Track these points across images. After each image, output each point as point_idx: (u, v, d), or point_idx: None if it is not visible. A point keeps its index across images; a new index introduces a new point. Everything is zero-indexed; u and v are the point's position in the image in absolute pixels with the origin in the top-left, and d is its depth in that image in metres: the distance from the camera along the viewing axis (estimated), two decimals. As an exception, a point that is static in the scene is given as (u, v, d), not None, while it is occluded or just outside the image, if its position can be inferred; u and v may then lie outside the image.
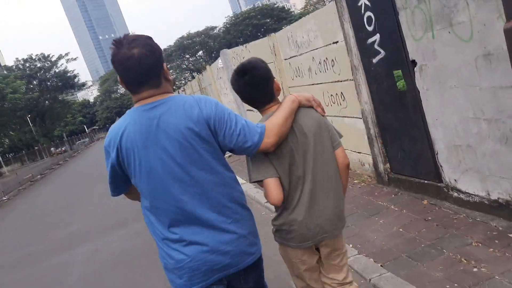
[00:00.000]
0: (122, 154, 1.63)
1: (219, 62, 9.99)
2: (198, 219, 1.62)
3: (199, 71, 61.99)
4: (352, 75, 4.50)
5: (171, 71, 69.53)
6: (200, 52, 70.51)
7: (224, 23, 65.80)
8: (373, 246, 3.37)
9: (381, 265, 3.04)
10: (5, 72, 46.70)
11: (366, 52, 4.13)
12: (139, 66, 1.57)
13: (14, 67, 54.85)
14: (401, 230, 3.48)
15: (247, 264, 1.70)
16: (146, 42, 1.61)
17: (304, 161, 1.80)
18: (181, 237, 1.63)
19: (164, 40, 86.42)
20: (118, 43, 1.61)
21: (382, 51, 3.88)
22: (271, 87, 1.87)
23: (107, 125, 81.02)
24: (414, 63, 3.49)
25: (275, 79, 1.90)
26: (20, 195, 16.41)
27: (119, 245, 5.80)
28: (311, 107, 1.87)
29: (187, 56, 69.12)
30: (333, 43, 4.84)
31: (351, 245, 3.47)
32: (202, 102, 1.63)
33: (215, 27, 68.78)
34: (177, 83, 69.61)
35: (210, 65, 13.30)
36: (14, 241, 8.04)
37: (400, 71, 3.71)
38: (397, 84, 3.79)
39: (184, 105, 1.60)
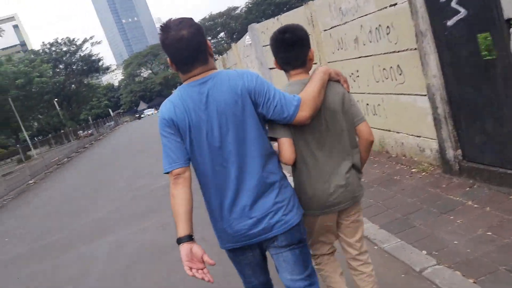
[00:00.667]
0: (176, 126, 1.73)
1: (247, 38, 9.27)
2: (239, 187, 1.74)
3: (221, 53, 61.61)
4: (417, 43, 3.75)
5: None
6: (222, 34, 69.74)
7: (246, 3, 64.55)
8: (455, 254, 2.69)
9: (473, 282, 2.37)
10: (32, 56, 47.10)
11: (438, 13, 3.37)
12: (189, 45, 1.69)
13: (40, 51, 55.51)
14: (489, 233, 2.78)
15: (282, 230, 1.78)
16: (191, 22, 1.72)
17: (325, 133, 1.86)
18: (226, 203, 1.76)
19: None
20: (166, 27, 1.71)
21: (462, 10, 3.11)
22: (306, 53, 1.92)
23: (132, 109, 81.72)
24: (510, 23, 2.74)
25: (311, 49, 1.94)
26: (46, 179, 16.33)
27: (143, 238, 5.30)
28: (338, 81, 1.91)
29: (209, 38, 68.45)
30: (391, 5, 4.08)
31: (424, 252, 2.80)
32: (245, 75, 1.75)
33: (237, 7, 67.69)
34: None
35: (235, 43, 12.64)
36: (36, 229, 7.71)
37: (488, 33, 2.94)
38: (482, 51, 3.03)
39: (229, 79, 1.72)
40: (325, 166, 1.88)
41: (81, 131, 42.64)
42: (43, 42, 60.44)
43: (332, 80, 1.88)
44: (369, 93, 5.28)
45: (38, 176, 17.34)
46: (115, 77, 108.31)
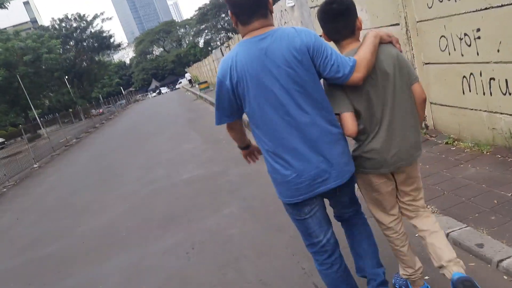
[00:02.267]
0: (234, 83, 1.79)
1: (287, 0, 7.54)
2: (302, 138, 1.81)
3: (235, 30, 59.38)
4: None
5: (206, 31, 67.25)
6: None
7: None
8: None
9: None
10: (41, 32, 45.57)
11: None
12: None
13: (50, 27, 53.94)
14: None
15: (346, 180, 1.89)
16: None
17: (383, 96, 1.88)
18: (288, 156, 1.83)
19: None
20: None
21: None
22: (354, 21, 1.95)
23: (144, 87, 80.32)
24: None
25: (359, 17, 1.96)
26: (52, 163, 14.93)
27: (166, 264, 3.77)
28: (390, 42, 1.93)
29: (223, 15, 66.53)
30: None
31: None
32: (303, 32, 1.79)
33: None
34: (212, 44, 67.68)
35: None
36: (28, 234, 6.23)
37: None
38: None
39: (288, 36, 1.77)
40: (383, 126, 1.90)
41: (93, 110, 41.43)
42: (52, 18, 58.80)
43: (383, 42, 1.90)
44: (497, 63, 3.59)
45: (44, 159, 15.95)
46: (126, 55, 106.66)
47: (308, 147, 1.81)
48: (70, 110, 31.59)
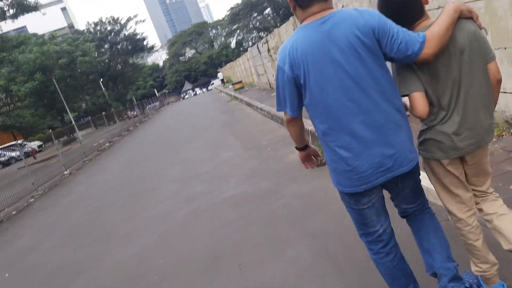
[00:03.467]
0: (294, 68, 1.74)
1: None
2: (366, 125, 1.72)
3: (268, 29, 58.46)
4: None
5: (237, 31, 66.89)
6: (268, 10, 66.38)
7: (295, -24, 60.12)
8: None
9: None
10: (76, 36, 46.11)
11: None
12: None
13: (85, 30, 54.69)
14: None
15: (408, 169, 1.79)
16: None
17: (456, 75, 1.77)
18: (349, 144, 1.75)
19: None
20: None
21: None
22: (418, 4, 1.83)
23: (177, 89, 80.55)
24: None
25: None
26: (83, 169, 14.27)
27: None
28: (470, 18, 1.79)
29: (255, 14, 65.92)
30: None
31: None
32: (366, 13, 1.71)
33: (286, -19, 63.61)
34: (244, 44, 67.09)
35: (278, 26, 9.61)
36: (45, 263, 5.27)
37: None
38: None
39: (350, 17, 1.69)
40: (455, 108, 1.80)
41: (129, 112, 41.46)
42: (87, 22, 59.70)
43: (463, 17, 1.76)
44: None
45: (75, 165, 15.35)
46: (160, 58, 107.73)
47: (371, 134, 1.73)
48: (103, 113, 31.29)
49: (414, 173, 1.89)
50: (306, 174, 5.30)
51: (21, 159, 12.98)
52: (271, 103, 12.95)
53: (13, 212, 9.85)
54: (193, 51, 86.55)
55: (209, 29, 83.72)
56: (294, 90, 1.80)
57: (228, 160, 7.78)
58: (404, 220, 2.13)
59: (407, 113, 1.89)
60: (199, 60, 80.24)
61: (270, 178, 5.66)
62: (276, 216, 4.24)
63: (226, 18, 68.92)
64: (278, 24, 43.55)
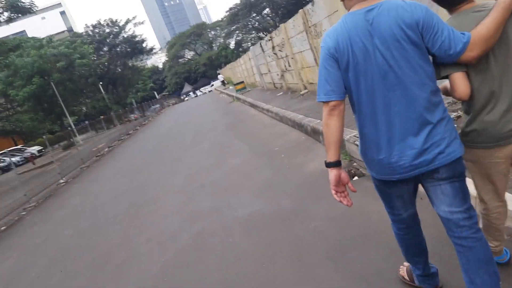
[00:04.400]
0: (338, 51, 1.74)
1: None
2: (401, 116, 1.71)
3: (267, 30, 57.76)
4: None
5: (237, 32, 66.43)
6: (267, 10, 65.73)
7: (294, -23, 59.44)
8: None
9: None
10: (74, 38, 45.31)
11: None
12: None
13: (83, 33, 53.92)
14: None
15: (444, 163, 1.72)
16: None
17: (503, 65, 1.71)
18: (385, 134, 1.75)
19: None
20: None
21: None
22: None
23: (177, 91, 79.79)
24: None
25: None
26: (80, 177, 13.44)
27: None
28: None
29: (254, 14, 65.45)
30: None
31: None
32: (413, 6, 1.67)
33: (285, -19, 62.67)
34: (243, 45, 66.46)
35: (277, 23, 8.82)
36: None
37: None
38: None
39: (396, 8, 1.67)
40: (502, 97, 1.73)
41: (131, 115, 40.70)
42: (86, 24, 58.93)
43: None
44: None
45: (72, 172, 14.53)
46: (159, 60, 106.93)
47: (406, 126, 1.72)
48: (102, 117, 30.41)
49: (454, 169, 1.77)
50: (334, 188, 4.47)
51: (18, 165, 12.15)
52: (278, 103, 12.12)
53: (3, 228, 9.04)
54: (192, 52, 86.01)
55: (208, 30, 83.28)
56: (338, 73, 1.77)
57: (236, 168, 6.95)
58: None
59: (448, 98, 1.65)
60: (199, 62, 79.61)
61: (290, 194, 4.83)
62: (307, 247, 3.40)
63: (224, 19, 68.57)
64: (277, 24, 43.05)
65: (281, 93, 15.27)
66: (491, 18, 1.63)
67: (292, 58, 12.81)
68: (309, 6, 9.79)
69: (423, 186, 1.89)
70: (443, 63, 1.74)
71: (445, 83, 1.85)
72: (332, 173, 1.86)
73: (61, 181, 13.07)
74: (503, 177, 1.91)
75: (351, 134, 5.40)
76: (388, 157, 1.76)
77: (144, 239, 5.03)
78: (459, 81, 1.72)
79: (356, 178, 4.68)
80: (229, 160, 7.85)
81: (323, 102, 1.80)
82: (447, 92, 1.89)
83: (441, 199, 1.82)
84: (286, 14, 48.23)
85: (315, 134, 6.93)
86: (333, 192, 1.91)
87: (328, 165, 1.87)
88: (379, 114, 1.74)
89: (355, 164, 5.11)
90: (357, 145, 4.93)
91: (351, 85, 1.77)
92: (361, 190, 4.15)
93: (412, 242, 2.07)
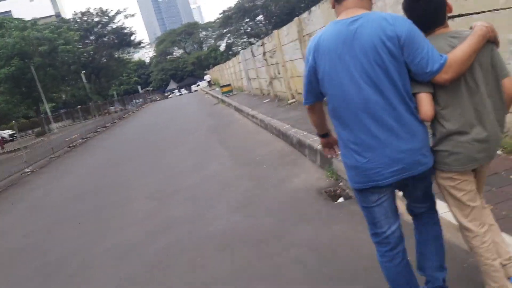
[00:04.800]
0: (317, 58, 1.82)
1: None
2: (377, 124, 1.75)
3: (258, 36, 57.55)
4: None
5: (228, 35, 66.10)
6: (260, 17, 65.68)
7: (289, -14, 59.51)
8: None
9: None
10: (61, 24, 43.98)
11: None
12: None
13: (71, 19, 52.58)
14: None
15: (418, 172, 1.80)
16: None
17: (474, 89, 1.78)
18: (361, 141, 1.80)
19: (226, 2, 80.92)
20: None
21: None
22: (444, 12, 1.85)
23: (161, 87, 78.67)
24: None
25: (447, 2, 1.85)
26: (48, 168, 12.67)
27: None
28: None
29: (247, 20, 65.40)
30: None
31: None
32: (397, 19, 1.72)
33: (279, -10, 62.78)
34: (233, 48, 66.08)
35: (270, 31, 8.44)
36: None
37: None
38: None
39: (379, 20, 1.72)
40: (472, 119, 1.79)
41: (112, 107, 39.57)
42: (74, 11, 57.60)
43: (490, 41, 1.77)
44: None
45: (41, 161, 13.73)
46: (147, 55, 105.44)
47: (383, 134, 1.75)
48: (79, 106, 29.32)
49: (426, 178, 1.90)
50: (320, 210, 4.05)
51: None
52: (265, 110, 11.71)
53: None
54: (181, 50, 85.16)
55: (200, 30, 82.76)
56: (313, 78, 1.87)
57: (216, 175, 6.46)
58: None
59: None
60: (187, 60, 78.81)
61: (271, 211, 4.37)
62: (287, 278, 2.93)
63: (217, 20, 68.26)
64: (270, 32, 42.81)
65: (268, 100, 14.87)
66: (468, 43, 1.70)
67: (282, 66, 12.43)
68: (305, 14, 9.42)
69: (399, 190, 2.02)
70: (413, 81, 1.78)
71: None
72: (322, 141, 2.33)
73: (27, 170, 12.29)
74: (476, 197, 1.95)
75: (342, 151, 5.00)
76: (365, 163, 1.81)
77: (102, 249, 4.48)
78: (424, 102, 1.76)
79: (341, 199, 4.27)
80: (209, 165, 7.35)
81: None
82: None
83: (411, 199, 2.04)
84: (279, 22, 48.12)
85: (301, 146, 6.51)
86: (325, 151, 2.37)
87: (318, 135, 2.31)
88: (356, 120, 1.79)
89: (341, 184, 4.71)
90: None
91: (329, 88, 1.83)
92: (348, 215, 3.75)
93: (400, 273, 1.98)
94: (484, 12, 3.73)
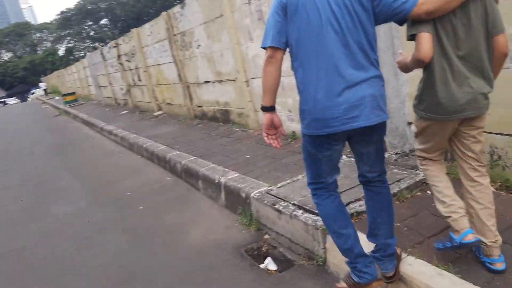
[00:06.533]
0: (285, 8, 1.80)
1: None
2: (336, 72, 1.74)
3: (103, 40, 53.30)
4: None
5: (68, 38, 60.53)
6: (105, 20, 61.25)
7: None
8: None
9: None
10: None
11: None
12: None
13: None
14: None
15: (374, 122, 1.78)
16: None
17: (458, 41, 1.75)
18: (321, 85, 1.77)
19: (62, 3, 72.29)
20: None
21: None
22: None
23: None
24: None
25: None
26: None
27: None
28: None
29: (90, 22, 60.70)
30: None
31: None
32: None
33: (124, -7, 59.37)
34: (74, 53, 60.20)
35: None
36: None
37: None
38: None
39: None
40: (458, 71, 1.77)
41: None
42: None
43: None
44: None
45: None
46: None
47: (342, 81, 1.75)
48: None
49: (380, 131, 1.90)
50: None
51: None
52: (125, 124, 9.62)
53: None
54: (10, 53, 74.14)
55: (33, 31, 73.60)
56: (283, 20, 1.82)
57: (65, 225, 4.36)
58: None
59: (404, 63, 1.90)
60: (17, 65, 68.78)
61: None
62: None
63: (54, 22, 62.04)
64: (116, 37, 39.44)
65: (126, 111, 12.65)
66: None
67: (144, 71, 10.49)
68: (176, 8, 7.76)
69: (350, 145, 1.97)
70: (412, 22, 1.75)
71: (402, 58, 1.92)
72: (267, 116, 1.97)
73: None
74: (445, 142, 1.99)
75: (262, 189, 3.57)
76: (321, 109, 1.77)
77: None
78: (424, 41, 1.72)
79: (268, 261, 2.87)
80: (52, 206, 5.11)
81: (265, 48, 1.86)
82: (405, 67, 1.91)
83: (365, 161, 1.99)
84: (126, 28, 45.15)
85: (190, 177, 4.87)
86: (265, 135, 2.02)
87: (264, 109, 1.96)
88: (320, 67, 1.76)
89: (267, 236, 3.29)
90: (274, 208, 3.13)
91: (295, 35, 1.80)
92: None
93: (337, 207, 2.08)
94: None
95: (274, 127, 2.00)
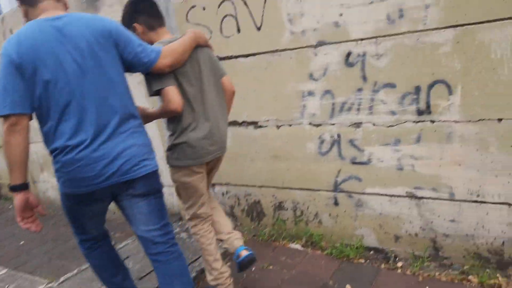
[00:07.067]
0: (23, 55, 1.53)
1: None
2: (94, 123, 1.61)
3: None
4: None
5: None
6: None
7: None
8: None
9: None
10: None
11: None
12: None
13: None
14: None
15: (138, 175, 1.68)
16: None
17: (199, 90, 1.94)
18: (79, 141, 1.60)
19: None
20: None
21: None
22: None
23: None
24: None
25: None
26: None
27: None
28: (207, 46, 2.06)
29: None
30: None
31: None
32: (104, 19, 1.70)
33: None
34: None
35: None
36: None
37: None
38: None
39: (88, 19, 1.65)
40: (201, 116, 1.94)
41: None
42: None
43: (201, 46, 1.98)
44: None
45: None
46: None
47: (97, 134, 1.60)
48: None
49: (149, 180, 1.73)
50: None
51: None
52: None
53: None
54: None
55: None
56: (22, 83, 1.54)
57: None
58: None
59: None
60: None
61: None
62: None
63: None
64: None
65: None
66: (181, 41, 1.87)
67: None
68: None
69: (118, 204, 1.79)
70: (155, 78, 1.81)
71: (142, 106, 1.99)
72: (19, 197, 1.60)
73: None
74: (204, 188, 2.09)
75: (39, 287, 2.70)
76: (79, 167, 1.60)
77: None
78: (174, 93, 1.82)
79: None
80: None
81: (2, 116, 1.52)
82: (145, 117, 1.93)
83: (138, 218, 1.77)
84: None
85: None
86: (19, 220, 1.65)
87: (14, 188, 1.59)
88: (74, 121, 1.59)
89: None
90: None
91: (41, 93, 1.57)
92: None
93: (104, 255, 1.96)
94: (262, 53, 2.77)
95: (30, 208, 1.65)
